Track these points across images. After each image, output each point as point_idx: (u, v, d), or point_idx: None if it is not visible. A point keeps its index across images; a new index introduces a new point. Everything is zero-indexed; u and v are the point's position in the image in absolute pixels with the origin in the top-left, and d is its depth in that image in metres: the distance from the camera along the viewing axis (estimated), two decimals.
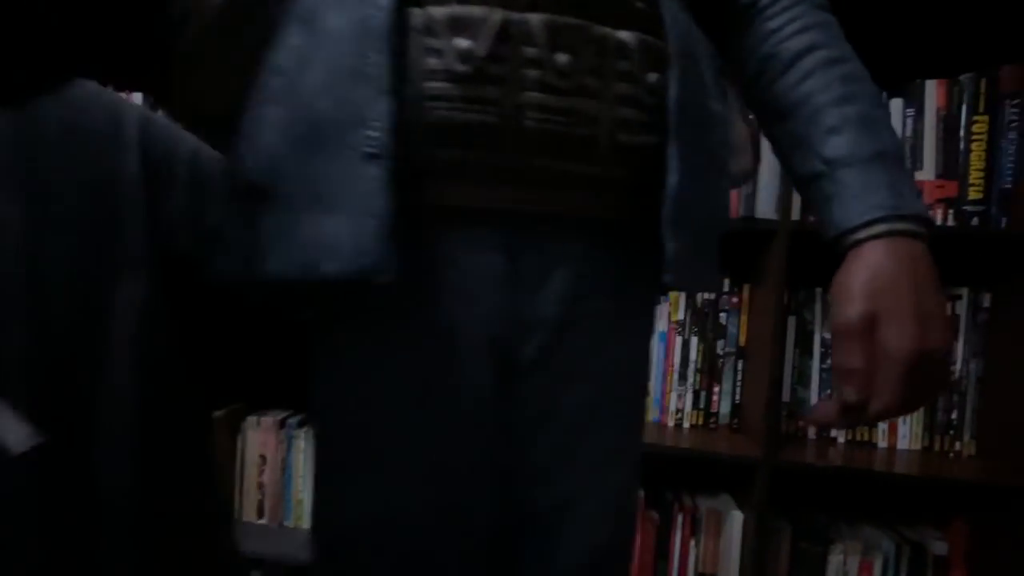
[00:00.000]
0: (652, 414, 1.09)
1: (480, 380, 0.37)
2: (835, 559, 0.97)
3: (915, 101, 0.94)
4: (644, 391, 0.46)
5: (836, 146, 0.38)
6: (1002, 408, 0.92)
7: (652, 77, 0.36)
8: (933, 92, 0.94)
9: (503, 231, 0.36)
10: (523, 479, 0.40)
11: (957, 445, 0.98)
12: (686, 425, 1.07)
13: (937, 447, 0.99)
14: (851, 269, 0.37)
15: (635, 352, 0.43)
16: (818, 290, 1.02)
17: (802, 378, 1.03)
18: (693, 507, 1.02)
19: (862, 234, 0.37)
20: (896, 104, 0.95)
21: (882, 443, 1.00)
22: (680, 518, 1.02)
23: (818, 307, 1.02)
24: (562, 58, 0.33)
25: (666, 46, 0.36)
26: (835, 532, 1.00)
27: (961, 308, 0.97)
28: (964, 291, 0.97)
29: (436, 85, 0.32)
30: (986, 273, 0.99)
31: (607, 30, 0.34)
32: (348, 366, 0.37)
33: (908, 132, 0.95)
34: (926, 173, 0.94)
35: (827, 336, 1.02)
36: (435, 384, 0.36)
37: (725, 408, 1.06)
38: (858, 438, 1.01)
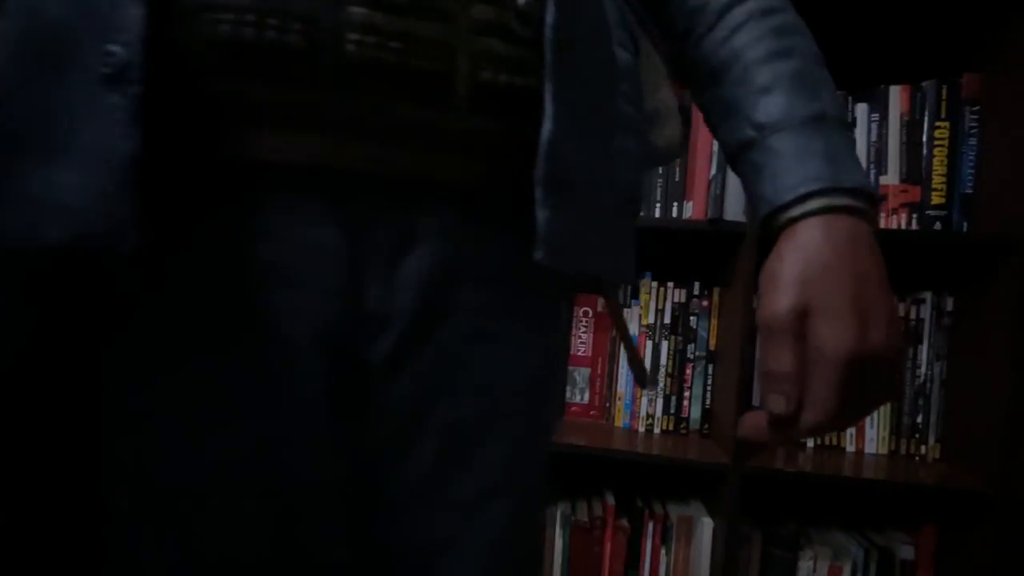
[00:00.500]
0: (623, 420, 1.07)
1: (309, 390, 0.28)
2: (805, 565, 0.96)
3: (879, 106, 0.95)
4: (549, 405, 0.36)
5: (767, 109, 0.33)
6: (966, 411, 0.93)
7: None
8: (897, 98, 0.95)
9: (336, 197, 0.27)
10: (378, 517, 0.31)
11: (923, 449, 0.98)
12: (657, 431, 1.05)
13: (903, 451, 0.99)
14: (781, 254, 0.31)
15: (533, 357, 0.34)
16: None
17: None
18: (664, 514, 1.00)
19: (795, 211, 0.32)
20: (862, 109, 0.96)
21: (850, 447, 1.00)
22: (651, 526, 1.00)
23: None
24: None
25: None
26: (805, 538, 1.00)
27: (925, 312, 0.98)
28: (928, 295, 0.98)
29: None
30: (949, 277, 1.00)
31: None
32: (133, 377, 0.27)
33: (873, 137, 0.96)
34: (890, 178, 0.95)
35: None
36: (246, 397, 0.27)
37: (696, 413, 1.04)
38: (827, 443, 1.01)
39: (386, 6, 0.25)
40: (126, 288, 0.27)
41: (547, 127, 0.28)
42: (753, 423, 0.32)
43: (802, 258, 0.30)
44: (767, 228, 0.34)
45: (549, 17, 0.28)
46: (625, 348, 0.44)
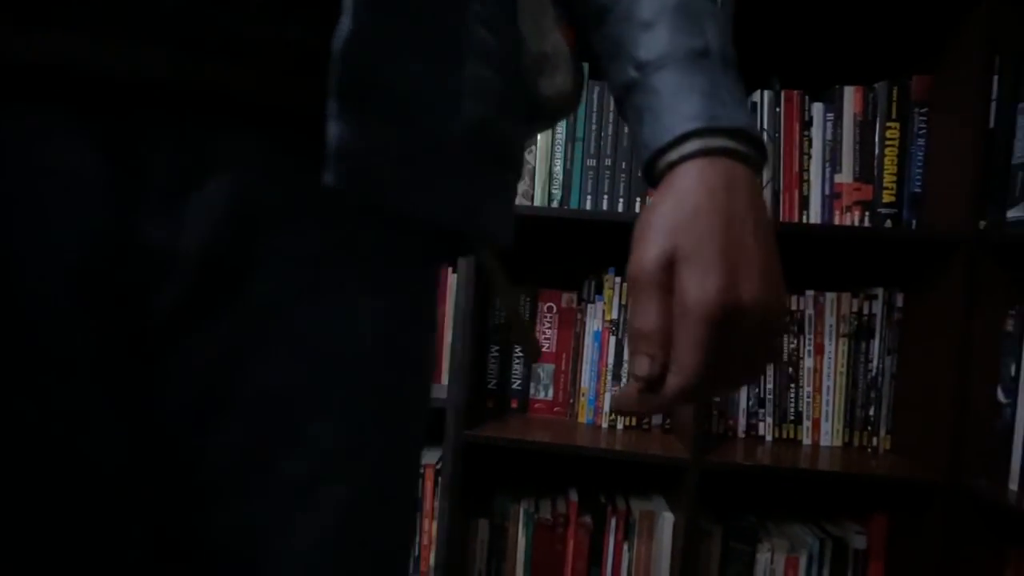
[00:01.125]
0: (587, 416, 1.06)
1: (70, 353, 0.22)
2: (763, 557, 0.97)
3: (835, 106, 0.98)
4: (407, 375, 0.29)
5: (649, 46, 0.31)
6: (915, 404, 0.96)
7: None
8: (851, 98, 0.97)
9: (96, 111, 0.22)
10: (183, 505, 0.25)
11: (874, 440, 1.01)
12: (620, 427, 1.05)
13: (856, 443, 1.02)
14: (657, 200, 0.29)
15: (374, 318, 0.27)
16: None
17: None
18: (627, 510, 1.00)
19: (673, 155, 0.29)
20: (818, 108, 0.98)
21: (807, 440, 1.02)
22: (614, 522, 1.00)
23: None
24: None
25: None
26: (763, 531, 1.01)
27: (876, 307, 1.01)
28: (879, 291, 1.01)
29: None
30: (900, 273, 1.03)
31: None
32: None
33: (829, 136, 0.98)
34: (844, 176, 0.97)
35: None
36: None
37: None
38: (784, 436, 1.03)
39: None
40: None
41: (344, 25, 0.23)
42: (626, 391, 0.30)
43: (673, 205, 0.28)
44: (650, 177, 0.32)
45: None
46: (510, 319, 0.41)
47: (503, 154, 0.31)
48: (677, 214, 0.28)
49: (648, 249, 0.28)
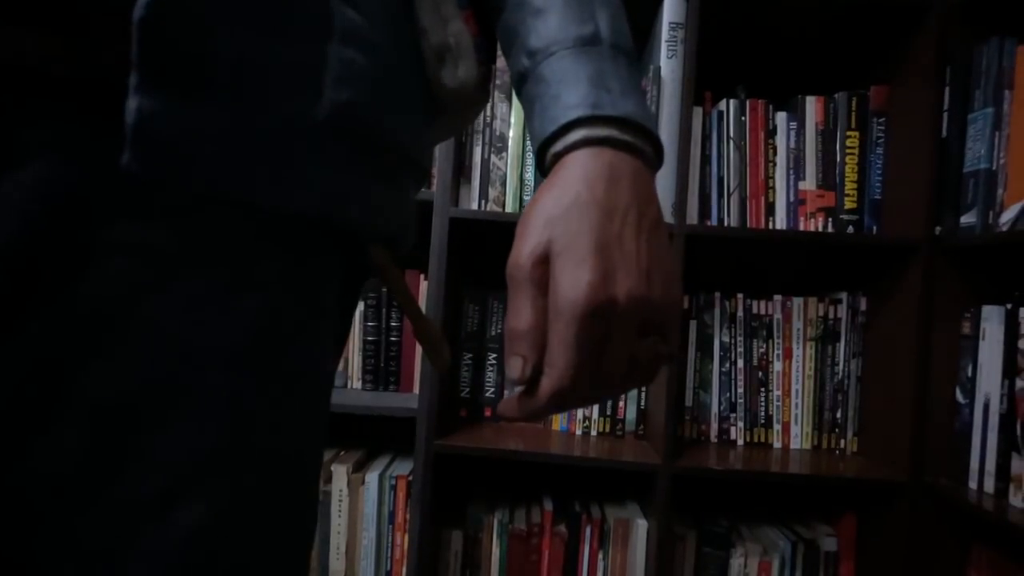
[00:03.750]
0: (560, 423, 1.06)
1: None
2: (736, 562, 0.97)
3: (797, 115, 1.00)
4: (287, 386, 0.26)
5: (539, 32, 0.30)
6: (879, 405, 0.98)
7: None
8: (813, 108, 1.00)
9: None
10: (5, 527, 0.22)
11: (842, 443, 1.03)
12: (593, 433, 1.05)
13: (825, 445, 1.03)
14: (537, 195, 0.28)
15: (238, 319, 0.24)
16: (717, 294, 1.04)
17: (704, 382, 1.05)
18: (601, 518, 1.00)
19: (558, 146, 0.28)
20: (781, 117, 1.00)
21: (777, 444, 1.03)
22: (588, 530, 0.99)
23: (717, 311, 1.04)
24: None
25: None
26: (736, 535, 1.02)
27: (842, 311, 1.03)
28: (843, 295, 1.03)
29: None
30: (862, 277, 1.06)
31: None
32: None
33: (792, 144, 1.00)
34: (808, 183, 1.00)
35: (725, 340, 1.04)
36: None
37: (631, 415, 1.05)
38: (755, 440, 1.04)
39: None
40: None
41: None
42: (508, 398, 0.28)
43: (552, 197, 0.27)
44: (542, 170, 0.30)
45: None
46: (412, 324, 0.36)
47: (387, 145, 0.29)
48: (555, 207, 0.26)
49: (524, 243, 0.27)
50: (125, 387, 0.22)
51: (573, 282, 0.25)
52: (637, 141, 0.28)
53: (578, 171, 0.27)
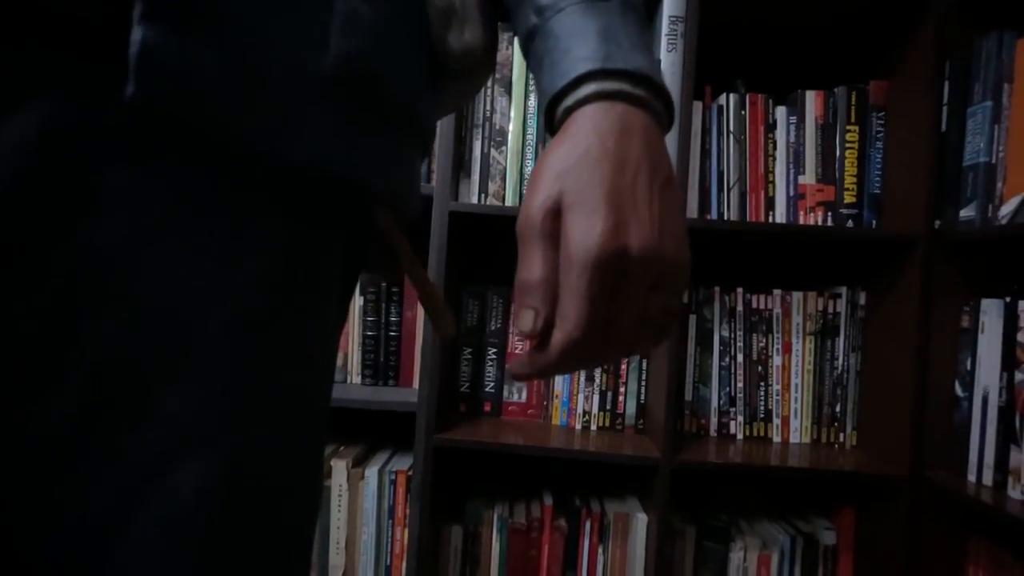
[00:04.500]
0: (560, 418, 1.06)
1: None
2: (736, 556, 0.98)
3: (797, 110, 1.00)
4: (289, 348, 0.26)
5: None
6: (878, 399, 0.98)
7: None
8: (812, 102, 1.00)
9: None
10: (15, 478, 0.21)
11: (841, 436, 1.03)
12: (593, 428, 1.05)
13: (824, 439, 1.03)
14: (549, 148, 0.28)
15: (242, 276, 0.24)
16: (716, 289, 1.04)
17: (703, 376, 1.05)
18: (601, 512, 1.00)
19: (569, 100, 0.28)
20: (781, 112, 1.00)
21: (776, 438, 1.03)
22: (588, 524, 0.99)
23: (716, 306, 1.04)
24: None
25: None
26: (736, 529, 1.02)
27: (841, 305, 1.03)
28: (843, 289, 1.04)
29: None
30: (861, 272, 1.06)
31: None
32: None
33: (792, 139, 1.00)
34: (808, 177, 1.00)
35: (725, 334, 1.04)
36: None
37: (631, 409, 1.05)
38: (755, 434, 1.04)
39: None
40: None
41: None
42: (519, 357, 0.29)
43: (564, 150, 0.27)
44: (551, 127, 0.30)
45: None
46: (417, 290, 0.35)
47: (393, 103, 0.28)
48: (566, 160, 0.26)
49: (535, 196, 0.27)
50: (127, 343, 0.22)
51: (585, 232, 0.25)
52: (648, 96, 0.28)
53: (589, 124, 0.27)
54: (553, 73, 0.29)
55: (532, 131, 1.01)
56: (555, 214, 0.26)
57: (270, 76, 0.23)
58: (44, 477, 0.21)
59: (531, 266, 0.27)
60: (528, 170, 1.00)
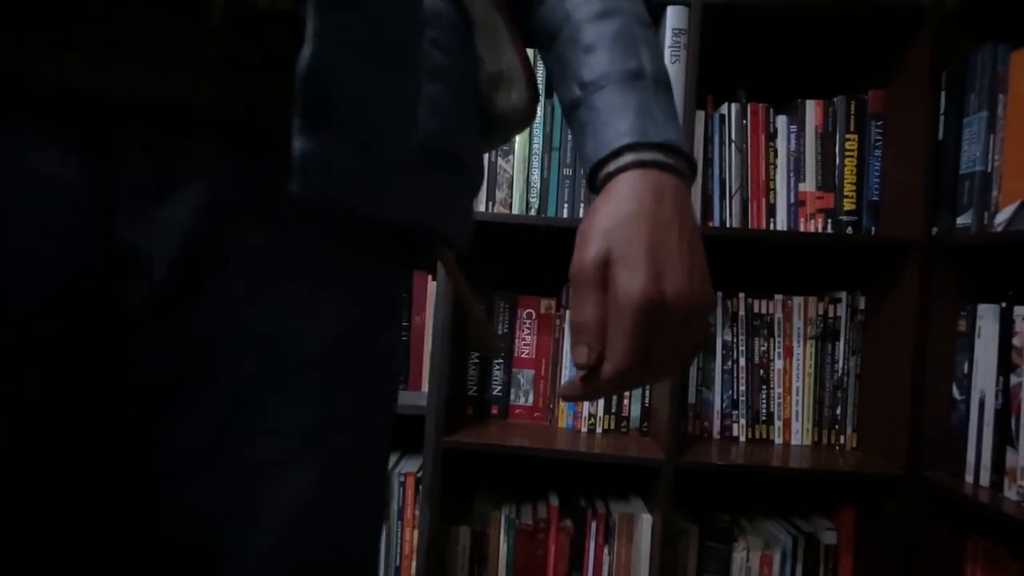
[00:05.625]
0: (566, 420, 1.08)
1: (44, 342, 0.24)
2: (738, 555, 1.00)
3: (797, 119, 1.02)
4: (372, 370, 0.31)
5: (590, 67, 0.35)
6: (877, 401, 1.00)
7: None
8: (812, 112, 1.02)
9: (74, 122, 0.24)
10: (150, 485, 0.27)
11: (841, 438, 1.05)
12: (599, 430, 1.07)
13: (824, 441, 1.05)
14: (595, 207, 0.33)
15: (336, 314, 0.30)
16: (719, 294, 1.07)
17: (706, 380, 1.07)
18: (606, 513, 1.02)
19: (611, 167, 0.33)
20: (782, 121, 1.03)
21: (778, 440, 1.05)
22: (594, 525, 1.01)
23: (719, 311, 1.06)
24: None
25: None
26: (738, 529, 1.04)
27: (841, 310, 1.06)
28: (843, 294, 1.06)
29: None
30: (861, 277, 1.08)
31: None
32: None
33: (792, 147, 1.02)
34: (808, 185, 1.02)
35: (728, 338, 1.06)
36: None
37: (635, 412, 1.07)
38: (757, 436, 1.06)
39: None
40: None
41: (307, 50, 0.26)
42: (570, 381, 0.34)
43: (609, 211, 0.32)
44: (592, 186, 0.35)
45: None
46: (467, 313, 0.41)
47: (457, 163, 0.34)
48: (611, 219, 0.31)
49: (586, 250, 0.31)
50: (249, 370, 0.28)
51: (630, 283, 0.30)
52: (677, 163, 0.33)
53: (629, 189, 0.32)
54: (596, 142, 0.34)
55: (538, 141, 1.03)
56: (604, 266, 0.31)
57: (379, 158, 0.29)
58: (179, 475, 0.27)
59: (584, 310, 0.31)
60: (535, 179, 1.02)
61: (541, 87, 1.00)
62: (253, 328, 0.28)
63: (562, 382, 1.08)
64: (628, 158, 0.33)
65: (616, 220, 0.31)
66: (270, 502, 0.28)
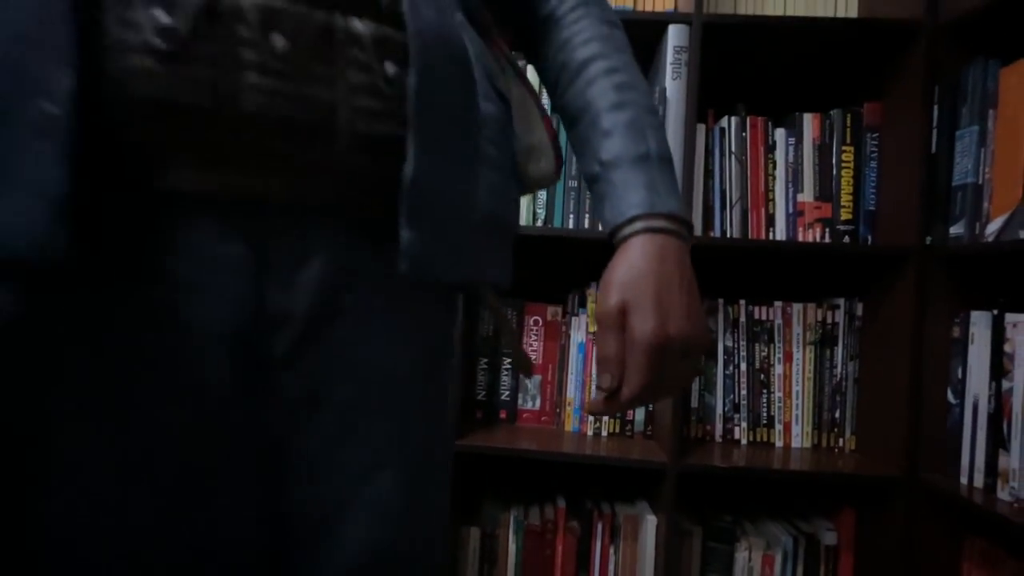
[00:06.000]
0: (572, 424, 1.11)
1: (219, 380, 0.33)
2: (741, 556, 1.02)
3: (795, 132, 1.06)
4: (437, 388, 0.41)
5: (608, 149, 0.43)
6: (876, 405, 1.03)
7: (391, 68, 0.35)
8: (809, 124, 1.06)
9: (242, 218, 0.33)
10: (282, 487, 0.36)
11: (841, 441, 1.08)
12: (604, 434, 1.10)
13: (824, 443, 1.08)
14: (614, 264, 0.41)
15: (414, 350, 0.39)
16: (720, 301, 1.10)
17: (709, 385, 1.10)
18: (612, 514, 1.05)
19: (626, 231, 0.41)
20: (780, 133, 1.06)
21: (779, 443, 1.08)
22: (600, 526, 1.04)
23: (720, 317, 1.10)
24: (279, 41, 0.32)
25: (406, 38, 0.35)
26: (740, 530, 1.06)
27: (839, 316, 1.08)
28: (841, 301, 1.09)
29: (137, 61, 0.29)
30: (858, 284, 1.11)
31: (334, 17, 0.33)
32: (58, 371, 0.30)
33: (791, 159, 1.06)
34: (806, 195, 1.05)
35: (729, 344, 1.09)
36: (160, 388, 0.32)
37: (640, 416, 1.10)
38: (759, 439, 1.09)
39: (273, 72, 0.32)
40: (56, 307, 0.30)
41: (409, 168, 0.35)
42: (596, 399, 0.42)
43: (625, 268, 0.40)
44: (612, 243, 0.44)
45: (412, 82, 0.35)
46: (506, 342, 0.51)
47: (505, 225, 0.43)
48: (626, 275, 0.40)
49: (608, 301, 0.40)
50: (353, 394, 0.37)
51: (643, 327, 0.39)
52: (679, 228, 0.42)
53: (639, 250, 0.41)
54: (614, 211, 0.43)
55: None
56: (623, 312, 0.40)
57: (456, 237, 0.37)
58: (305, 472, 0.36)
59: (607, 346, 0.40)
60: (541, 191, 1.06)
61: (549, 102, 1.04)
62: (356, 364, 0.37)
63: (569, 389, 1.12)
64: (639, 225, 0.41)
65: (631, 275, 0.40)
66: (364, 499, 0.37)
